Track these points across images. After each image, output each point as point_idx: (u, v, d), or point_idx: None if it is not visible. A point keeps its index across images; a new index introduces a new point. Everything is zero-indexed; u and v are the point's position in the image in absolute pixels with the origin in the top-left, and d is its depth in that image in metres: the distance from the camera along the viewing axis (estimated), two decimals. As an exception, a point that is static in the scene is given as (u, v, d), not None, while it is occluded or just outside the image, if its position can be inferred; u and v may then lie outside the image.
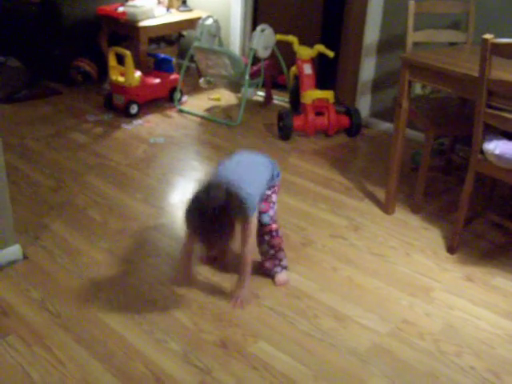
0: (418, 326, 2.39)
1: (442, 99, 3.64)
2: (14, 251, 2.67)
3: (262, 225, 2.52)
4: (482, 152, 2.66)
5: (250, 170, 2.47)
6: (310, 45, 4.27)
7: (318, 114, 4.17)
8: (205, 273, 2.66)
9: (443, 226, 3.12)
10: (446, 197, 3.44)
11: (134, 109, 4.42)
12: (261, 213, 2.50)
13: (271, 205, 2.54)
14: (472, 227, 3.07)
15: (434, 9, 3.42)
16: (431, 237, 3.03)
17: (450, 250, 2.89)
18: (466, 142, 3.58)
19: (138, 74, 4.42)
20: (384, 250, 2.91)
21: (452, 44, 3.47)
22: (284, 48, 4.52)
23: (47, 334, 2.26)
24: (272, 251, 2.59)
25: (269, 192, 2.52)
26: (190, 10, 5.13)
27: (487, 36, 2.43)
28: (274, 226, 2.55)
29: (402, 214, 3.23)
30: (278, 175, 2.57)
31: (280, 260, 2.63)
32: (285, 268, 2.65)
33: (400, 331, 2.36)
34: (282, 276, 2.63)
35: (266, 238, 2.56)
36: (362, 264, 2.79)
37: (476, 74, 2.54)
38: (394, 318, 2.43)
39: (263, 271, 2.64)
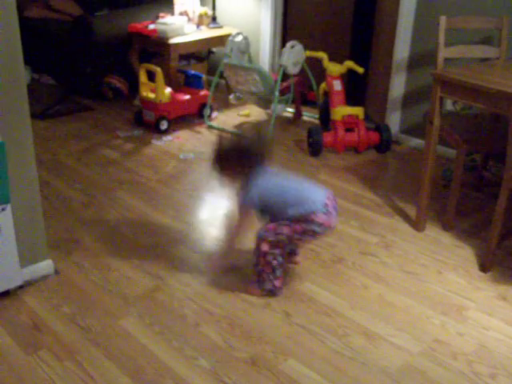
0: (450, 346, 2.35)
1: (473, 115, 3.60)
2: (45, 266, 2.70)
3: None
4: (515, 169, 2.63)
5: (287, 181, 2.58)
6: (340, 61, 4.27)
7: (348, 130, 4.16)
8: (235, 290, 2.66)
9: (475, 243, 3.07)
10: (477, 214, 3.39)
11: (163, 125, 4.45)
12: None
13: (277, 230, 2.46)
14: (505, 245, 3.03)
15: (466, 24, 3.37)
16: (463, 255, 2.99)
17: (483, 268, 2.84)
18: (498, 158, 3.55)
19: (168, 90, 4.45)
20: (415, 267, 2.87)
21: (483, 60, 3.43)
22: (314, 64, 4.53)
23: (78, 349, 2.27)
24: (258, 267, 2.58)
25: (286, 222, 2.45)
26: (220, 27, 5.17)
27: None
28: (263, 246, 2.50)
29: (433, 232, 3.19)
30: (311, 211, 2.43)
31: (261, 279, 2.59)
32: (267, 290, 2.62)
33: (432, 351, 2.32)
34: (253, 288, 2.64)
35: (256, 250, 2.56)
36: (393, 282, 2.76)
37: (510, 90, 2.52)
38: (426, 337, 2.40)
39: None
